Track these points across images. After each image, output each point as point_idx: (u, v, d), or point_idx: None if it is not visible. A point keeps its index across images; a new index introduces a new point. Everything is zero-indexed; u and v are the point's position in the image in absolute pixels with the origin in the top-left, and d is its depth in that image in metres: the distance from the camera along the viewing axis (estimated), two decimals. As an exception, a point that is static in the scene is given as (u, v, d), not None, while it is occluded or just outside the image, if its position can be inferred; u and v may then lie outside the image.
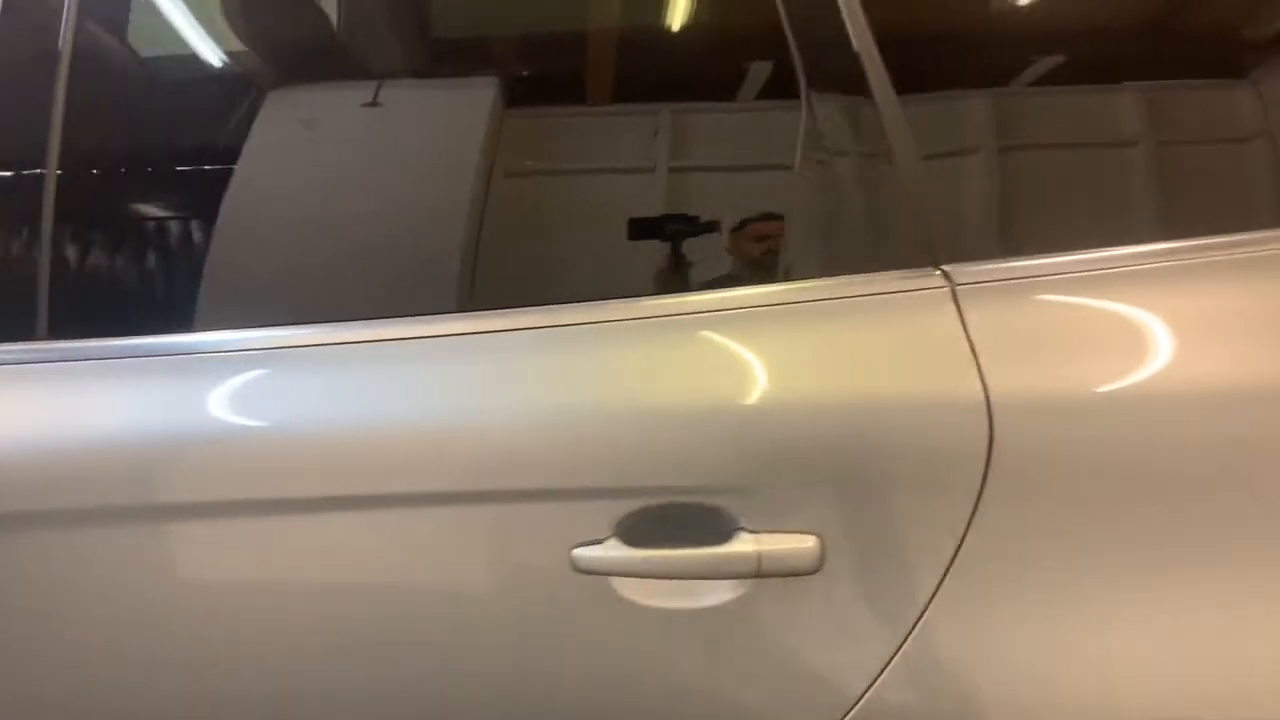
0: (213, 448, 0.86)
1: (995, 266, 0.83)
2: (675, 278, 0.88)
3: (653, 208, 0.91)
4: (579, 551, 0.83)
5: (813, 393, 0.81)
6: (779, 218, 0.88)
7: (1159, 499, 0.78)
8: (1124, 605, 0.79)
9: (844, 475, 0.81)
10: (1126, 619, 0.80)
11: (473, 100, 0.94)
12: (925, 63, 0.88)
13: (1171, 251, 0.81)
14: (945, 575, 0.81)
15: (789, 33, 0.86)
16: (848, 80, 0.85)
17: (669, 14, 0.95)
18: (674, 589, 0.84)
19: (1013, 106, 0.89)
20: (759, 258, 0.89)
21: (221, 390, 0.87)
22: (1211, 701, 0.79)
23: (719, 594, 0.84)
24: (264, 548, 0.87)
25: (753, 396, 0.82)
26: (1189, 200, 0.86)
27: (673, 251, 0.88)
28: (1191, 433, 0.78)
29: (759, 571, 0.81)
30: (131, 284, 0.95)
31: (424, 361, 0.86)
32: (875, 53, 0.84)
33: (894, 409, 0.80)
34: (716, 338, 0.84)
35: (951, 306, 0.82)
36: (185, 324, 0.91)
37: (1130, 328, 0.81)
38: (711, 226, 0.88)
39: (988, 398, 0.79)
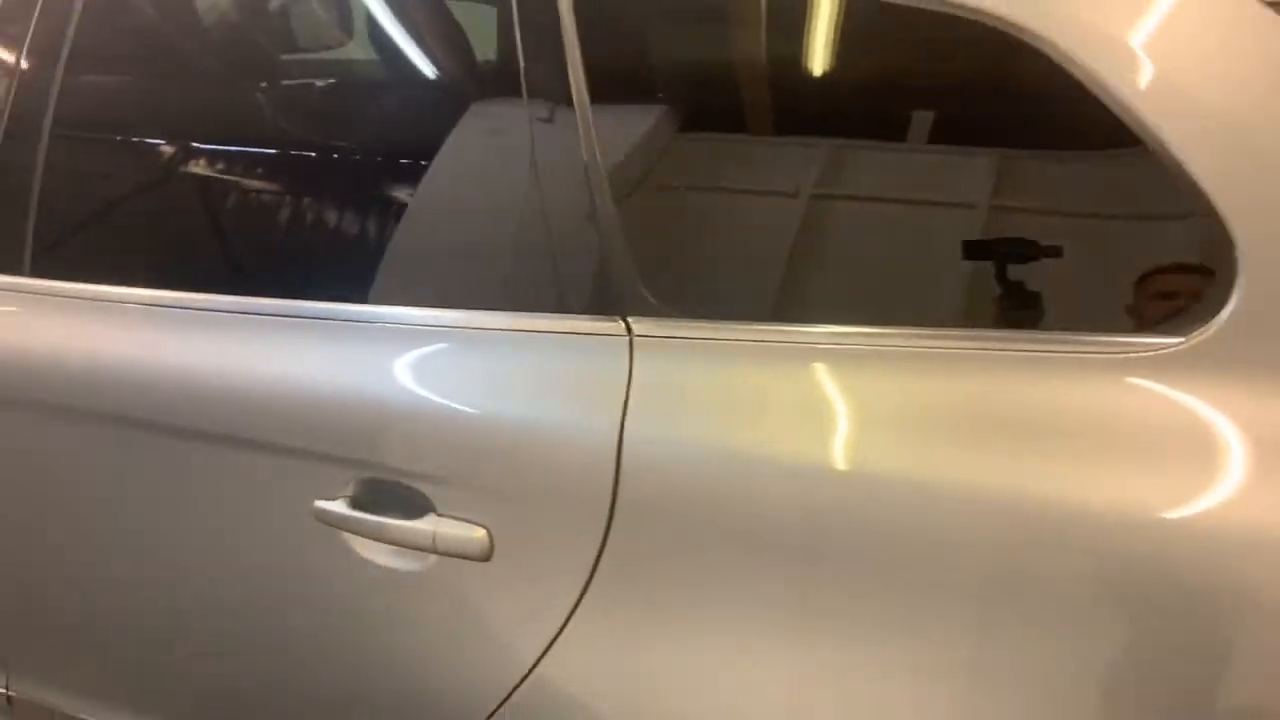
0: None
1: (676, 325, 0.92)
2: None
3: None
4: (319, 503, 1.03)
5: (491, 409, 0.95)
6: None
7: (761, 563, 0.86)
8: (722, 651, 0.89)
9: (509, 484, 0.95)
10: (726, 665, 0.89)
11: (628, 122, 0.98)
12: (633, 125, 0.97)
13: (843, 335, 0.87)
14: (585, 590, 0.93)
15: (523, 89, 0.98)
16: (569, 140, 0.96)
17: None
18: (387, 550, 1.02)
19: (723, 166, 0.96)
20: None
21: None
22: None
23: (416, 562, 1.01)
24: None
25: (448, 403, 0.97)
26: (879, 284, 0.90)
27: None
28: (795, 507, 0.85)
29: (434, 549, 0.98)
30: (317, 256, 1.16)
31: (340, 335, 1.04)
32: (589, 114, 0.95)
33: (548, 433, 0.93)
34: (431, 349, 1.00)
35: (621, 356, 0.92)
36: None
37: (779, 402, 0.87)
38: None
39: (621, 440, 0.89)
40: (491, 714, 1.01)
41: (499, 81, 1.05)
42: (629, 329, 0.93)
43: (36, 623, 1.39)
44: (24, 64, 1.27)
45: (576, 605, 0.94)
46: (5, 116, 1.27)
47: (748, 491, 0.86)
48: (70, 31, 1.24)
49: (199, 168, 1.25)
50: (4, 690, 1.48)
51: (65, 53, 1.24)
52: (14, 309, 1.26)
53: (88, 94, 1.29)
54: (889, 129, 0.91)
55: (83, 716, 1.40)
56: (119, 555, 1.23)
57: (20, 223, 1.24)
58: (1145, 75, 0.78)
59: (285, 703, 1.19)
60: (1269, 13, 0.78)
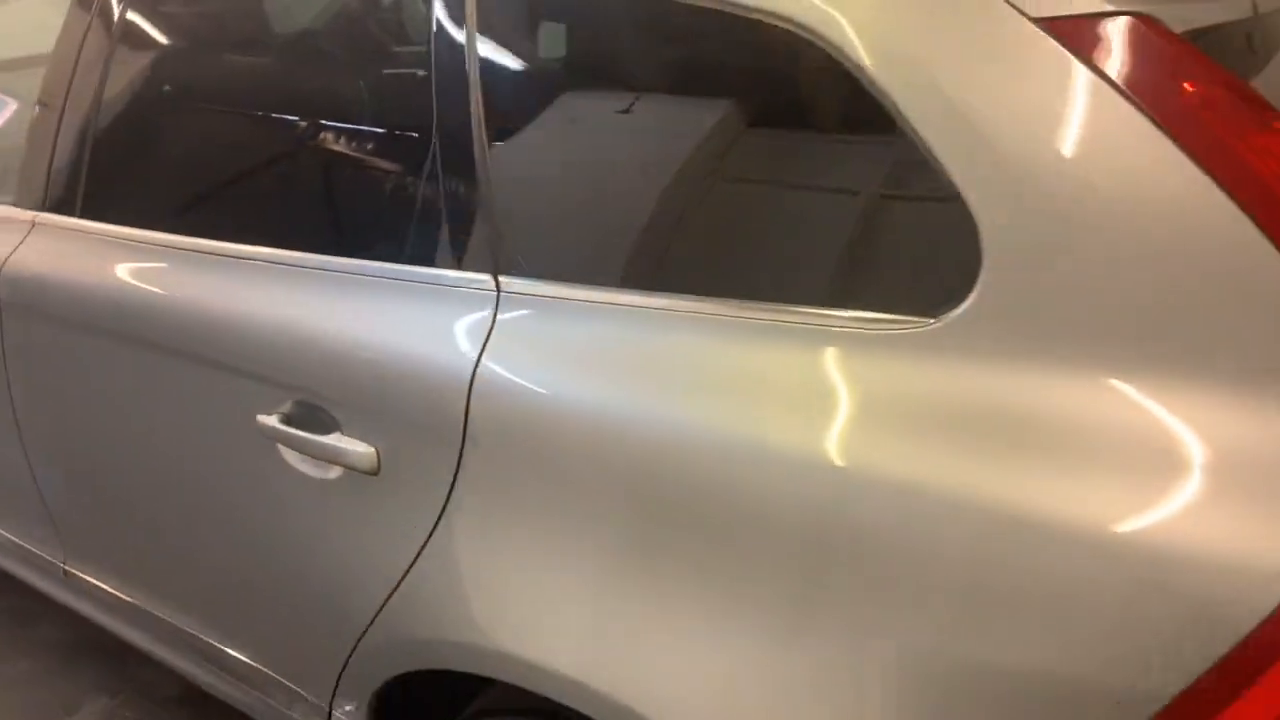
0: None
1: (537, 285, 1.06)
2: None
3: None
4: (260, 417, 1.23)
5: (380, 345, 1.13)
6: None
7: (578, 487, 1.00)
8: (552, 554, 1.03)
9: (391, 409, 1.12)
10: (558, 567, 1.03)
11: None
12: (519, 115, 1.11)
13: (655, 300, 0.99)
14: (446, 505, 1.10)
15: (433, 85, 1.14)
16: (464, 128, 1.11)
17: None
18: (307, 460, 1.21)
19: (600, 154, 1.09)
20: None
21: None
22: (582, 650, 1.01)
23: (328, 472, 1.20)
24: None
25: (350, 338, 1.15)
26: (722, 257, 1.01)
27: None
28: (594, 441, 0.98)
29: (338, 462, 1.16)
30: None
31: (309, 280, 1.22)
32: (481, 108, 1.10)
33: (420, 368, 1.09)
34: (348, 292, 1.18)
35: (489, 308, 1.07)
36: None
37: (618, 360, 1.00)
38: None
39: (474, 376, 1.05)
40: (383, 604, 1.19)
41: (416, 75, 1.20)
42: (498, 285, 1.08)
43: (75, 507, 1.68)
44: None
45: (440, 515, 1.11)
46: (73, 93, 1.53)
47: (566, 425, 1.00)
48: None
49: (207, 133, 1.47)
50: (62, 564, 1.78)
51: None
52: (56, 244, 1.53)
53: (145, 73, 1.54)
54: (690, 117, 1.02)
55: (106, 587, 1.68)
56: (122, 450, 1.48)
57: (75, 176, 1.51)
58: (906, 69, 0.86)
59: (230, 577, 1.43)
60: (1028, 25, 0.85)
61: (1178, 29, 0.85)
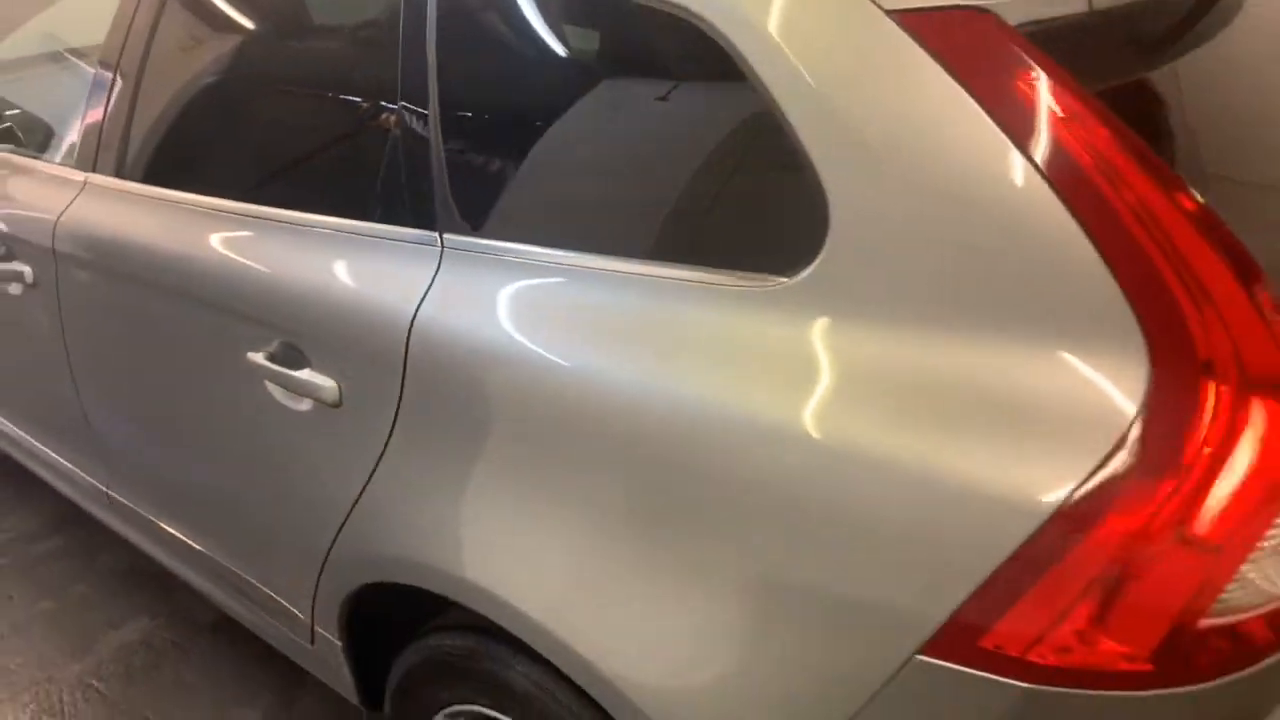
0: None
1: (481, 243, 1.20)
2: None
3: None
4: (249, 354, 1.41)
5: (340, 290, 1.29)
6: None
7: (501, 421, 1.14)
8: (480, 478, 1.17)
9: (348, 348, 1.28)
10: (486, 490, 1.17)
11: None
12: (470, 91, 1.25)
13: (567, 257, 1.12)
14: (390, 434, 1.25)
15: (400, 61, 1.29)
16: (421, 111, 1.26)
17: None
18: (286, 393, 1.38)
19: (531, 129, 1.23)
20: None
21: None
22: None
23: (302, 405, 1.36)
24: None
25: (318, 284, 1.31)
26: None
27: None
28: (512, 382, 1.12)
29: (308, 395, 1.33)
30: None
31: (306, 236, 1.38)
32: (437, 93, 1.24)
33: (370, 312, 1.24)
34: (317, 244, 1.34)
35: (433, 261, 1.22)
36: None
37: (533, 309, 1.14)
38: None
39: (412, 327, 1.19)
40: (343, 522, 1.35)
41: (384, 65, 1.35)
42: (442, 242, 1.23)
43: (114, 436, 1.89)
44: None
45: (386, 443, 1.26)
46: (122, 69, 1.74)
47: (490, 364, 1.14)
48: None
49: (216, 106, 1.67)
50: (106, 490, 2.01)
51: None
52: (103, 201, 1.74)
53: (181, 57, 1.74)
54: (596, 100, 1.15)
55: (140, 510, 1.89)
56: (146, 383, 1.69)
57: (119, 141, 1.72)
58: (778, 57, 0.97)
59: (231, 499, 1.62)
60: (887, 21, 0.94)
61: (1014, 21, 0.94)
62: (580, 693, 1.12)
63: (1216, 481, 0.79)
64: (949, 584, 0.85)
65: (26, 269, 1.84)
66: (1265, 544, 0.80)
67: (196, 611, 2.30)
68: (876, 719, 0.91)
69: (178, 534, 1.81)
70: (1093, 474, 0.80)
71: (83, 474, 2.04)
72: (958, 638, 0.85)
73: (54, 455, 2.14)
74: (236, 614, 1.81)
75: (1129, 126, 0.87)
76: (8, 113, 2.18)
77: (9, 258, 1.89)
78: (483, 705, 1.31)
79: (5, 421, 2.31)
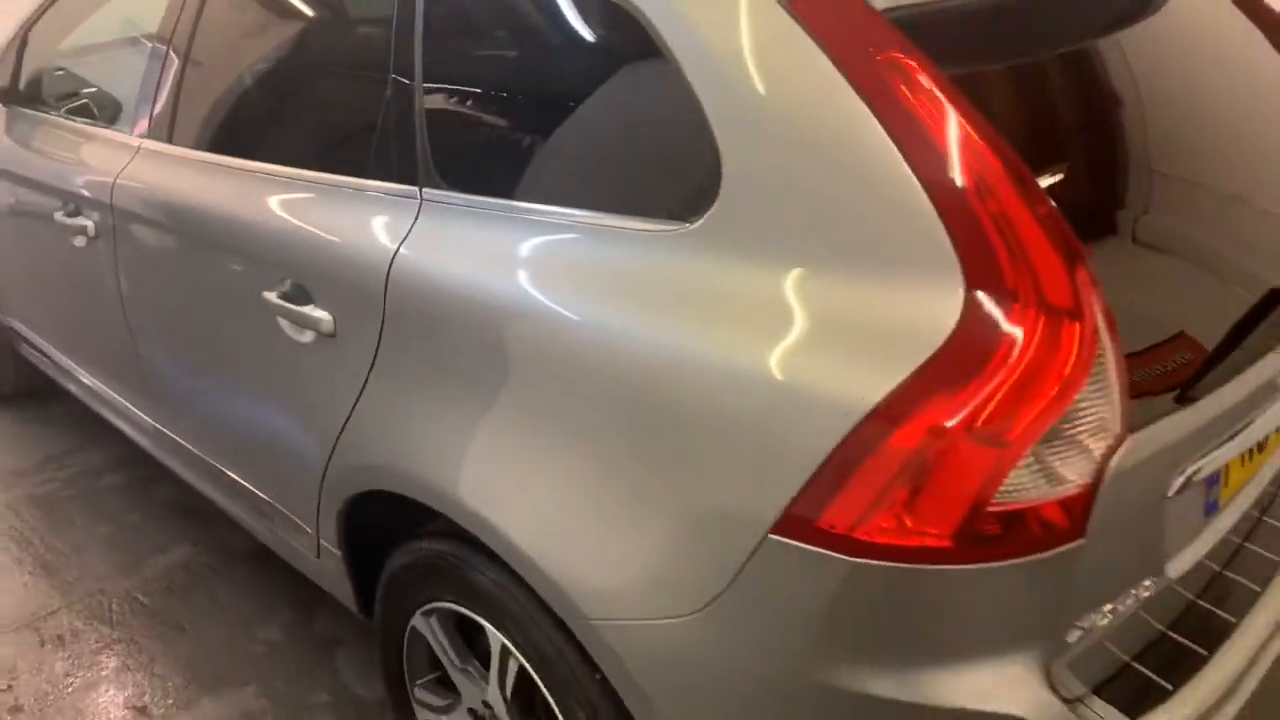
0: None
1: (453, 196, 1.40)
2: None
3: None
4: (264, 293, 1.63)
5: (337, 236, 1.50)
6: None
7: (461, 359, 1.35)
8: (451, 400, 1.37)
9: (342, 286, 1.49)
10: (456, 408, 1.37)
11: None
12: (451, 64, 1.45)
13: (534, 210, 1.31)
14: (374, 360, 1.46)
15: (392, 48, 1.49)
16: (408, 82, 1.47)
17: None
18: (294, 327, 1.60)
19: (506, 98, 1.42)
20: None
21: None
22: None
23: (306, 337, 1.58)
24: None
25: (316, 231, 1.53)
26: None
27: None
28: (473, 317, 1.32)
29: (309, 327, 1.54)
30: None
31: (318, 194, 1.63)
32: (420, 62, 1.45)
33: (357, 253, 1.46)
34: (317, 196, 1.56)
35: (414, 212, 1.43)
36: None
37: (493, 251, 1.33)
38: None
39: (390, 267, 1.40)
40: (337, 438, 1.56)
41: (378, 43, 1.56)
42: (421, 195, 1.43)
43: (159, 371, 2.15)
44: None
45: (370, 368, 1.47)
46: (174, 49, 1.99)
47: (452, 298, 1.34)
48: None
49: (240, 79, 1.90)
50: (154, 423, 2.26)
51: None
52: (154, 163, 1.99)
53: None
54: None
55: (181, 440, 2.15)
56: (183, 321, 1.94)
57: (166, 109, 1.97)
58: (685, 31, 1.14)
59: (251, 425, 1.85)
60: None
61: (880, 6, 1.10)
62: (531, 592, 1.30)
63: (1008, 389, 0.95)
64: (792, 473, 1.02)
65: (90, 223, 2.10)
66: (1044, 443, 0.95)
67: (232, 541, 2.56)
68: (745, 587, 1.08)
69: (212, 461, 2.05)
70: (907, 380, 0.96)
71: (136, 410, 2.31)
72: (799, 520, 1.02)
73: (113, 394, 2.41)
74: (260, 534, 2.05)
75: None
76: (85, 90, 2.45)
77: (76, 214, 2.16)
78: (452, 602, 1.51)
79: (75, 365, 2.59)
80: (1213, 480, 1.24)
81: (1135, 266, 1.23)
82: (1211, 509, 1.27)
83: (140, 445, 2.45)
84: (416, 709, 1.72)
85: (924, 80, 1.04)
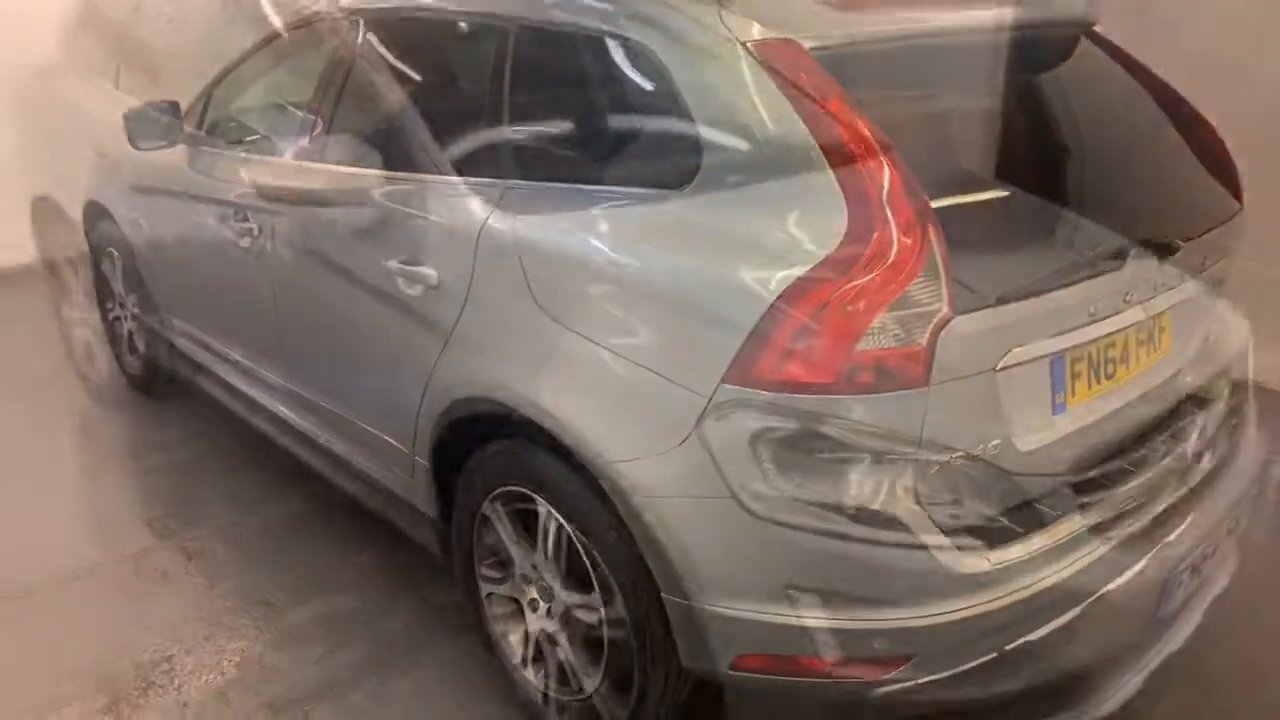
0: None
1: (527, 185, 2.01)
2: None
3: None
4: (386, 260, 2.24)
5: (445, 218, 2.11)
6: None
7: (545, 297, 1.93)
8: (522, 337, 1.95)
9: (445, 249, 2.09)
10: (521, 343, 1.95)
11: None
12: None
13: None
14: (465, 302, 2.05)
15: (488, 89, 2.12)
16: (499, 107, 2.10)
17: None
18: (410, 284, 2.20)
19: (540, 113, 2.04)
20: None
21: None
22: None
23: (419, 290, 2.18)
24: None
25: (434, 216, 2.15)
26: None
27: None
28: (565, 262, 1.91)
29: (420, 281, 2.14)
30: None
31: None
32: (507, 102, 2.08)
33: (456, 227, 2.06)
34: (435, 189, 2.18)
35: (499, 194, 2.03)
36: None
37: (557, 219, 1.93)
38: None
39: (481, 230, 2.00)
40: (435, 361, 2.13)
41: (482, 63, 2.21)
42: (504, 185, 2.04)
43: (294, 336, 2.76)
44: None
45: (461, 309, 2.06)
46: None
47: (525, 254, 1.93)
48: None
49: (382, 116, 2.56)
50: (288, 385, 2.88)
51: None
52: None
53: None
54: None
55: (311, 396, 2.75)
56: (319, 292, 2.55)
57: (320, 140, 2.63)
58: (686, 64, 1.74)
59: (373, 368, 2.43)
60: (739, 47, 1.71)
61: (806, 45, 1.68)
62: (570, 466, 1.84)
63: (866, 279, 1.49)
64: (738, 338, 1.56)
65: (255, 225, 2.77)
66: (893, 310, 1.48)
67: (336, 494, 3.14)
68: (707, 424, 1.61)
69: (329, 406, 2.64)
70: (804, 274, 1.51)
71: (271, 375, 2.93)
72: (743, 369, 1.55)
73: (253, 364, 3.04)
74: (361, 474, 2.61)
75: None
76: (249, 138, 3.16)
77: (244, 219, 2.83)
78: (514, 485, 2.05)
79: (224, 344, 3.22)
80: (1058, 386, 1.74)
81: (976, 222, 1.78)
82: (1059, 409, 1.76)
83: (269, 410, 3.05)
84: (480, 582, 2.25)
85: (835, 99, 1.61)
